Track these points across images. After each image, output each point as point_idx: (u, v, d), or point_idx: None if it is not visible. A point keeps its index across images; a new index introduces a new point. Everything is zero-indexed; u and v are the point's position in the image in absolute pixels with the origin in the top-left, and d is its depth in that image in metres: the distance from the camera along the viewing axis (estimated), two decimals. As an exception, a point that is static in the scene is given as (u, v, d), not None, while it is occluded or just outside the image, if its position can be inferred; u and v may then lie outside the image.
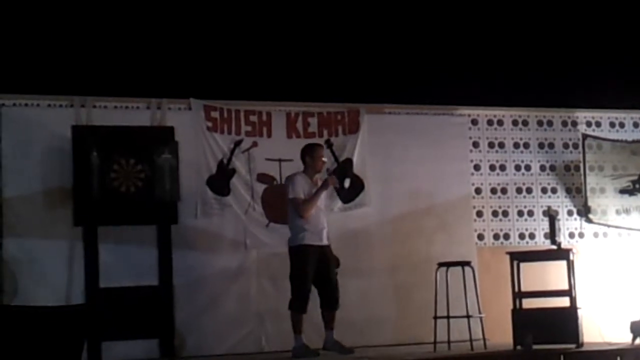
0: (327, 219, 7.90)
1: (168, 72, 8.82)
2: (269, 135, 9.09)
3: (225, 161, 8.89)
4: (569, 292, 7.94)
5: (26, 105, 8.43)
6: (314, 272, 7.65)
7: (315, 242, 7.68)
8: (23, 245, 8.13)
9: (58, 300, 7.82)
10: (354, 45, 9.58)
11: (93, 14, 8.66)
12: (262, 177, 8.99)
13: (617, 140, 10.11)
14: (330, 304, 7.70)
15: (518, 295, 8.03)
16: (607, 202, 9.97)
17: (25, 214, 8.18)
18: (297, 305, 7.58)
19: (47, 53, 8.52)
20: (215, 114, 8.93)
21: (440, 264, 8.16)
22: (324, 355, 7.67)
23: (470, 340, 8.00)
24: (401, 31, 9.74)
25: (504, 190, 9.83)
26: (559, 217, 9.33)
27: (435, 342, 8.02)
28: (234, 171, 8.90)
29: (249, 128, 9.04)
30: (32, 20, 8.52)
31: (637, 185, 9.88)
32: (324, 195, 7.86)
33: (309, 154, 7.88)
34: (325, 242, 7.77)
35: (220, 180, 8.85)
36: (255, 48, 9.25)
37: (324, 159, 7.95)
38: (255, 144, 9.00)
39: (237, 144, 8.97)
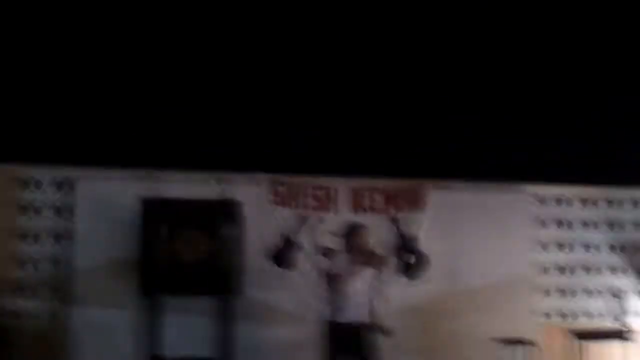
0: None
1: (235, 146, 8.99)
2: (335, 211, 9.17)
3: (290, 235, 8.97)
4: (636, 375, 7.76)
5: (98, 179, 8.70)
6: (347, 349, 7.62)
7: (342, 319, 7.68)
8: (89, 315, 8.31)
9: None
10: (420, 118, 9.63)
11: (164, 88, 8.92)
12: (327, 252, 9.03)
13: (689, 220, 9.93)
14: None
15: (583, 376, 7.88)
16: (678, 283, 9.76)
17: (93, 284, 8.38)
18: None
19: (117, 127, 8.79)
20: (281, 189, 9.07)
21: (505, 342, 8.05)
22: None
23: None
24: (468, 106, 9.78)
25: (572, 270, 9.69)
26: (628, 297, 9.15)
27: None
28: (299, 247, 8.98)
29: (314, 203, 9.14)
30: (102, 96, 8.82)
31: None
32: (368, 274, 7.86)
33: (353, 236, 7.93)
34: (351, 320, 7.73)
35: (285, 255, 8.91)
36: (319, 123, 9.38)
37: (366, 238, 7.94)
38: (320, 219, 9.08)
39: (304, 220, 9.05)
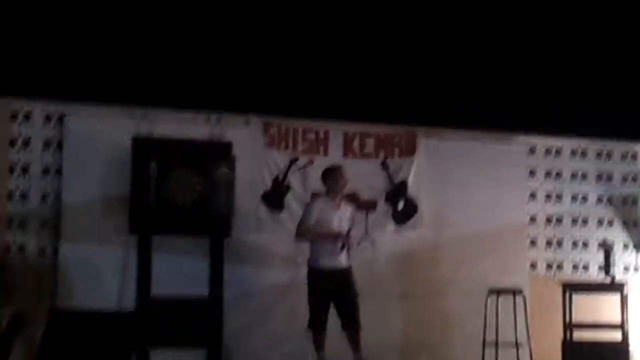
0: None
1: (228, 88, 8.91)
2: (326, 154, 9.14)
3: (280, 178, 8.95)
4: (621, 326, 7.83)
5: (89, 115, 8.60)
6: (331, 294, 7.72)
7: (329, 265, 7.75)
8: (79, 250, 8.27)
9: (110, 306, 7.93)
10: (415, 67, 9.58)
11: (159, 27, 8.79)
12: (316, 196, 9.01)
13: (678, 175, 9.98)
14: (350, 326, 7.73)
15: (569, 326, 7.96)
16: (664, 237, 9.85)
17: (83, 220, 8.33)
18: (313, 325, 7.73)
19: (110, 63, 8.67)
20: (273, 131, 9.01)
21: (492, 291, 8.11)
22: None
23: (518, 369, 7.93)
24: (463, 55, 9.73)
25: (559, 220, 9.74)
26: (615, 249, 9.22)
27: (482, 370, 7.97)
28: (288, 188, 8.97)
29: (305, 146, 9.10)
30: (99, 32, 8.68)
31: (696, 222, 9.75)
32: (346, 218, 7.90)
33: (329, 177, 8.02)
34: (342, 265, 7.80)
35: (275, 197, 8.92)
36: (315, 66, 9.30)
37: (345, 180, 7.99)
38: (311, 162, 9.05)
39: (294, 161, 9.03)
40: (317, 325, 7.69)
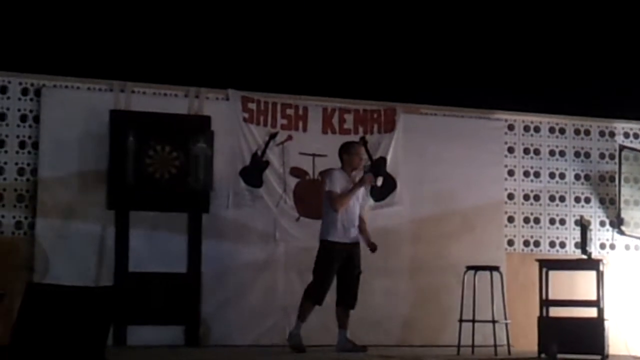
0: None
1: (207, 62, 8.87)
2: (305, 129, 9.11)
3: (259, 153, 8.92)
4: (596, 303, 7.88)
5: (66, 87, 8.52)
6: (338, 269, 7.71)
7: (343, 239, 7.76)
8: (55, 226, 8.22)
9: (87, 282, 7.90)
10: (394, 44, 9.58)
11: (138, 3, 8.73)
12: (295, 171, 9.01)
13: (655, 153, 10.02)
14: (347, 302, 7.75)
15: (545, 303, 7.99)
16: (640, 214, 9.91)
17: (59, 195, 8.27)
18: (314, 298, 7.70)
19: (89, 36, 8.60)
20: (252, 106, 8.96)
21: (469, 268, 8.14)
22: (316, 350, 7.74)
23: (495, 345, 7.97)
24: (442, 32, 9.73)
25: (536, 197, 9.78)
26: (591, 227, 9.27)
27: (459, 346, 8.01)
28: (267, 163, 8.93)
29: (284, 121, 9.06)
30: (76, 3, 8.60)
31: (672, 199, 9.80)
32: (360, 194, 7.92)
33: (346, 151, 7.98)
34: (353, 239, 7.81)
35: (254, 172, 8.89)
36: (295, 42, 9.27)
37: (361, 156, 8.04)
38: (290, 138, 9.02)
39: (272, 136, 9.00)
40: (318, 300, 7.67)
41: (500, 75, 9.60)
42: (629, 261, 9.87)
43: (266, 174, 8.92)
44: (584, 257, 8.19)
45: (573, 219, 9.78)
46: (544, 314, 7.99)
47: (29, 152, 8.34)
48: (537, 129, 9.88)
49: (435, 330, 8.95)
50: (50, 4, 8.47)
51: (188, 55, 8.83)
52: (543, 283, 8.04)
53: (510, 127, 9.78)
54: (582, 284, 8.49)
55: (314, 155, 9.00)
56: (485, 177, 9.44)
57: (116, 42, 8.69)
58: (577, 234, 9.12)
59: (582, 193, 9.93)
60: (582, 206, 9.88)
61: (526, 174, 9.80)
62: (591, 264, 8.12)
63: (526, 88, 9.63)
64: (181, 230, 8.51)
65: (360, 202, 8.01)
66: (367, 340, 8.08)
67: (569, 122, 9.98)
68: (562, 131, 9.96)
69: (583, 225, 8.28)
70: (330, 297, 7.80)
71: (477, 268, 8.17)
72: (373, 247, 7.89)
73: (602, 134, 10.07)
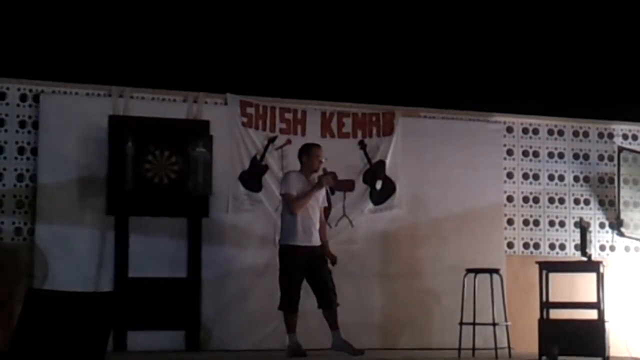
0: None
1: (205, 67, 8.87)
2: (303, 133, 9.10)
3: (258, 157, 8.92)
4: (597, 305, 7.87)
5: (65, 93, 8.52)
6: (305, 272, 7.69)
7: (304, 242, 7.71)
8: (55, 231, 8.21)
9: (87, 288, 7.89)
10: (392, 47, 9.58)
11: (136, 5, 8.73)
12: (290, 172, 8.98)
13: (653, 154, 10.03)
14: (328, 302, 7.69)
15: (546, 305, 7.98)
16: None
17: (59, 201, 8.27)
18: (285, 305, 7.66)
19: (87, 42, 8.60)
20: (250, 110, 8.96)
21: (469, 270, 8.14)
22: (317, 355, 7.70)
23: (495, 348, 7.96)
24: (441, 35, 9.74)
25: (536, 200, 9.78)
26: (591, 229, 9.27)
27: (459, 349, 8.00)
28: (266, 168, 8.93)
29: (283, 125, 9.06)
30: (75, 9, 8.61)
31: (671, 201, 9.80)
32: (320, 196, 7.89)
33: (305, 153, 7.95)
34: (315, 242, 7.78)
35: (253, 176, 8.89)
36: (293, 46, 9.28)
37: (321, 158, 7.94)
38: (289, 142, 9.01)
39: (271, 140, 9.00)
40: (290, 307, 7.63)
41: (499, 77, 9.60)
42: (628, 263, 9.87)
43: (265, 178, 8.91)
44: (584, 259, 8.17)
45: (572, 221, 9.78)
46: (545, 316, 7.98)
47: (28, 158, 8.34)
48: (535, 131, 9.89)
49: (436, 334, 8.94)
50: (49, 10, 8.47)
51: (186, 60, 8.83)
52: (543, 285, 8.02)
53: (509, 130, 9.79)
54: (582, 286, 8.49)
55: (312, 159, 8.98)
56: (485, 179, 9.44)
57: (114, 48, 8.70)
58: (576, 236, 9.12)
59: (582, 195, 9.93)
60: (582, 208, 9.89)
61: (525, 176, 9.80)
62: (591, 265, 8.11)
63: (524, 90, 9.64)
64: (181, 235, 8.50)
65: (320, 204, 7.94)
66: (367, 343, 8.08)
67: (567, 124, 9.99)
68: (560, 133, 9.96)
69: (582, 227, 8.27)
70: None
71: (477, 271, 8.16)
72: (333, 260, 7.83)
73: (600, 135, 10.08)
